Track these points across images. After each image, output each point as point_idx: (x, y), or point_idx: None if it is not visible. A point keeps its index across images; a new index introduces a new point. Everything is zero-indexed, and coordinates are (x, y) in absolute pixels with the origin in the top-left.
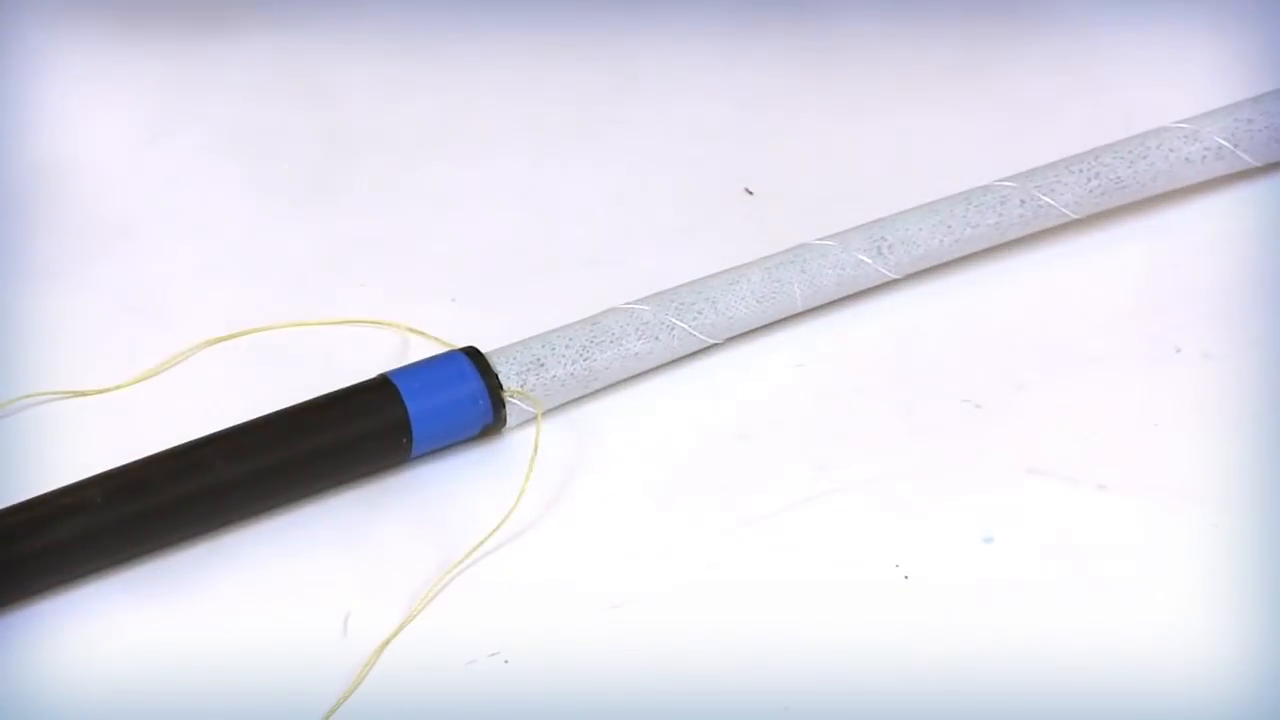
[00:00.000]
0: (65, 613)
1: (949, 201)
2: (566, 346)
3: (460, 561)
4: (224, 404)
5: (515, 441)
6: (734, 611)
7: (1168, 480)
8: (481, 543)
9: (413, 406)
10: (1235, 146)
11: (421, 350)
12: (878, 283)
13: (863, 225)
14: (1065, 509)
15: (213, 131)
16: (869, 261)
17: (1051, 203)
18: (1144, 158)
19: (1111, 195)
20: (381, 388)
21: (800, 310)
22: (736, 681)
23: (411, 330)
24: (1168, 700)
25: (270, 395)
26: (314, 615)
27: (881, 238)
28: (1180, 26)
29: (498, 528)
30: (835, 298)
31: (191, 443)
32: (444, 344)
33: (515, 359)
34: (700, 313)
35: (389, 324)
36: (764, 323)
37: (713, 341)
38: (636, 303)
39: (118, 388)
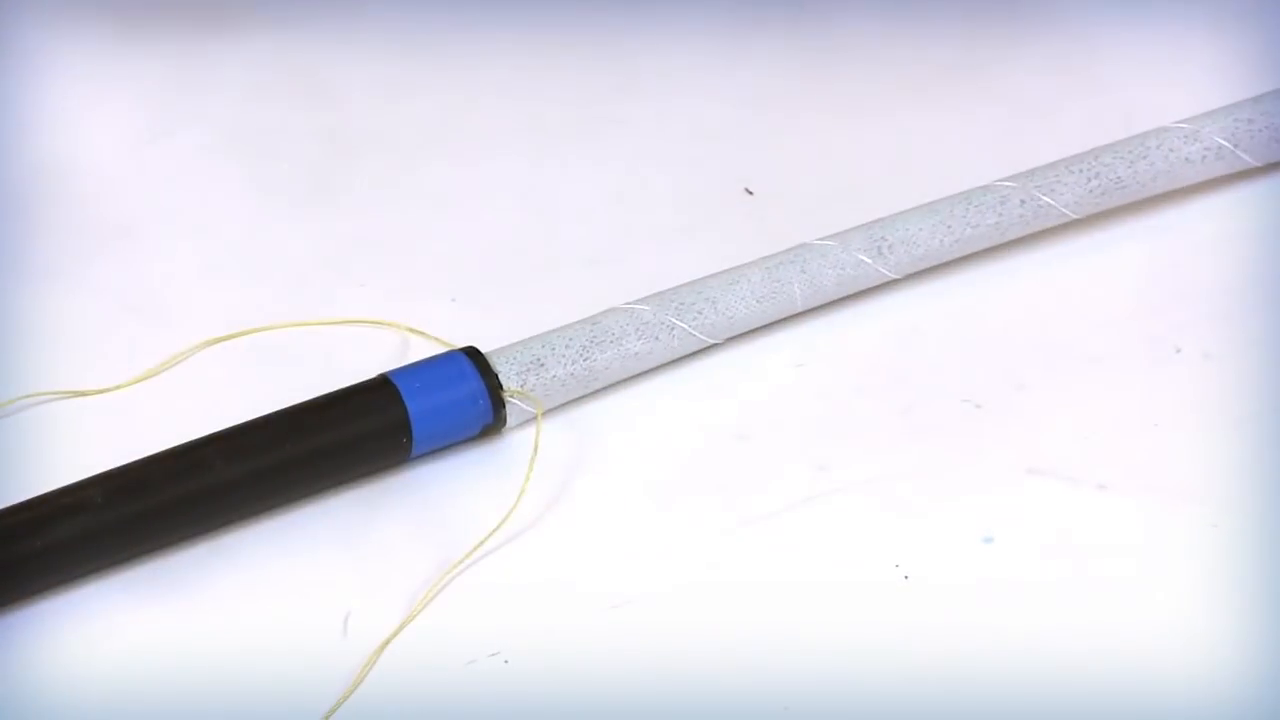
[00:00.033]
0: (65, 613)
1: (949, 201)
2: (566, 346)
3: (460, 561)
4: (224, 404)
5: (515, 441)
6: (734, 611)
7: (1168, 480)
8: (481, 543)
9: (413, 406)
10: (1235, 146)
11: (421, 350)
12: (878, 283)
13: (863, 225)
14: (1065, 509)
15: (213, 131)
16: (869, 261)
17: (1051, 203)
18: (1144, 158)
19: (1111, 195)
20: (381, 388)
21: (800, 310)
22: (736, 681)
23: (411, 330)
24: (1168, 700)
25: (270, 395)
26: (314, 615)
27: (881, 238)
28: (1180, 26)
29: (498, 528)
30: (835, 298)
31: (191, 443)
32: (444, 344)
33: (515, 359)
34: (700, 313)
35: (389, 324)
36: (764, 323)
37: (713, 341)
38: (636, 303)
39: (118, 388)
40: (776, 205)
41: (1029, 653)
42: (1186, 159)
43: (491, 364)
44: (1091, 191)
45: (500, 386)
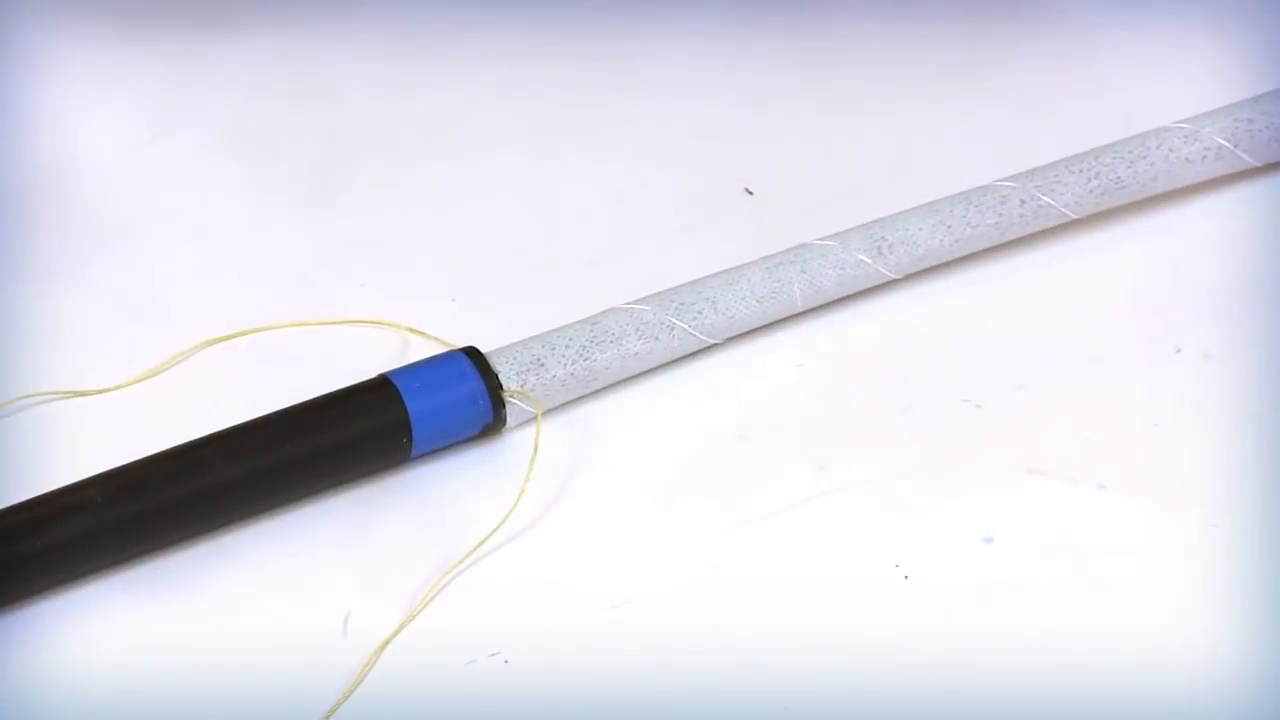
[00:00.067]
0: (65, 613)
1: (949, 201)
2: (566, 346)
3: (460, 561)
4: (224, 404)
5: (515, 441)
6: (734, 611)
7: (1168, 480)
8: (481, 543)
9: (413, 406)
10: (1235, 146)
11: (421, 350)
12: (878, 283)
13: (863, 225)
14: (1065, 509)
15: (213, 131)
16: (869, 261)
17: (1051, 203)
18: (1144, 158)
19: (1111, 195)
20: (381, 388)
21: (800, 310)
22: (736, 681)
23: (411, 330)
24: (1168, 700)
25: (270, 395)
26: (314, 615)
27: (881, 238)
28: (1180, 26)
29: (498, 528)
30: (835, 298)
31: (191, 443)
32: (444, 344)
33: (515, 359)
34: (700, 313)
35: (389, 324)
36: (764, 323)
37: (713, 341)
38: (636, 303)
39: (118, 388)
40: (776, 205)
41: (1029, 653)
42: (1186, 159)
43: (491, 364)
44: (1091, 191)
45: (500, 386)
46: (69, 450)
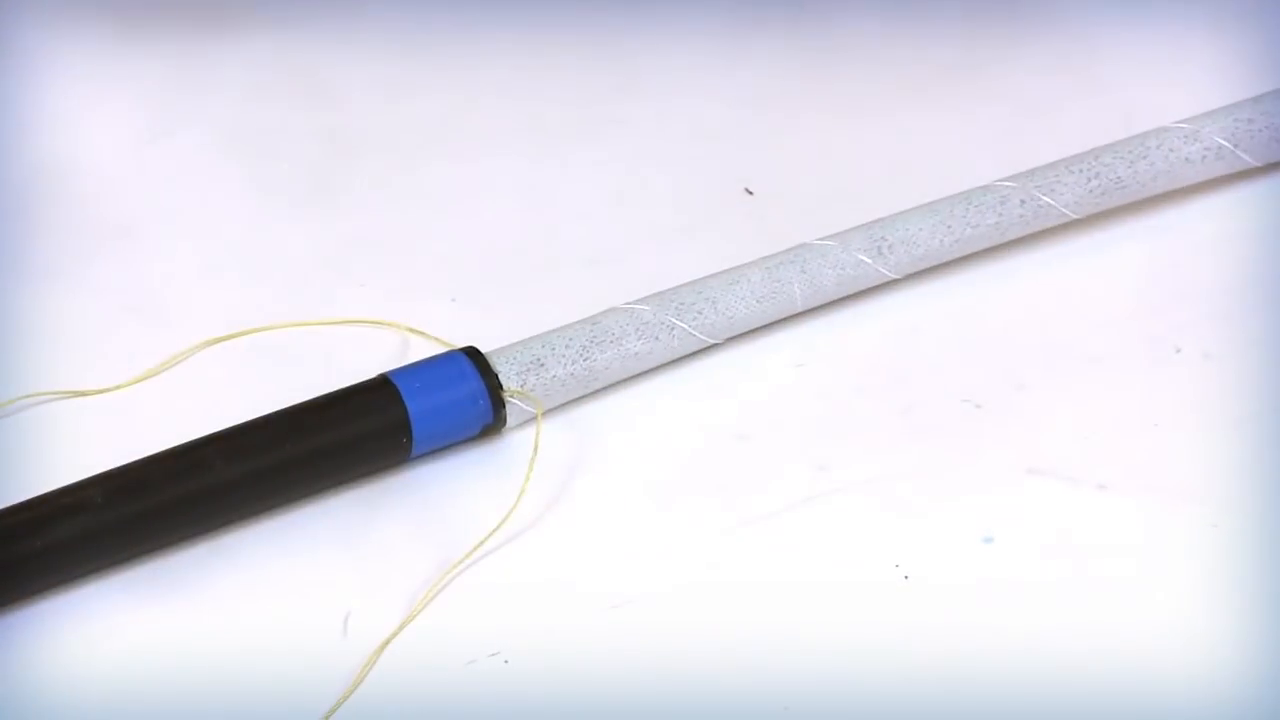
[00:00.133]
0: (65, 613)
1: (949, 201)
2: (566, 346)
3: (460, 561)
4: (224, 404)
5: (515, 441)
6: (734, 611)
7: (1168, 480)
8: (481, 543)
9: (413, 406)
10: (1235, 146)
11: (421, 350)
12: (878, 283)
13: (863, 225)
14: (1065, 509)
15: (213, 131)
16: (869, 261)
17: (1051, 203)
18: (1144, 158)
19: (1111, 195)
20: (381, 388)
21: (800, 310)
22: (736, 681)
23: (411, 330)
24: (1168, 700)
25: (270, 395)
26: (314, 615)
27: (881, 238)
28: (1180, 26)
29: (498, 528)
30: (835, 298)
31: (191, 443)
32: (444, 344)
33: (515, 359)
34: (700, 313)
35: (389, 324)
36: (764, 323)
37: (713, 341)
38: (636, 303)
39: (118, 388)
40: (776, 205)
41: (1029, 653)
42: (1186, 159)
43: (491, 364)
44: (1091, 191)
45: (500, 386)
46: (69, 450)
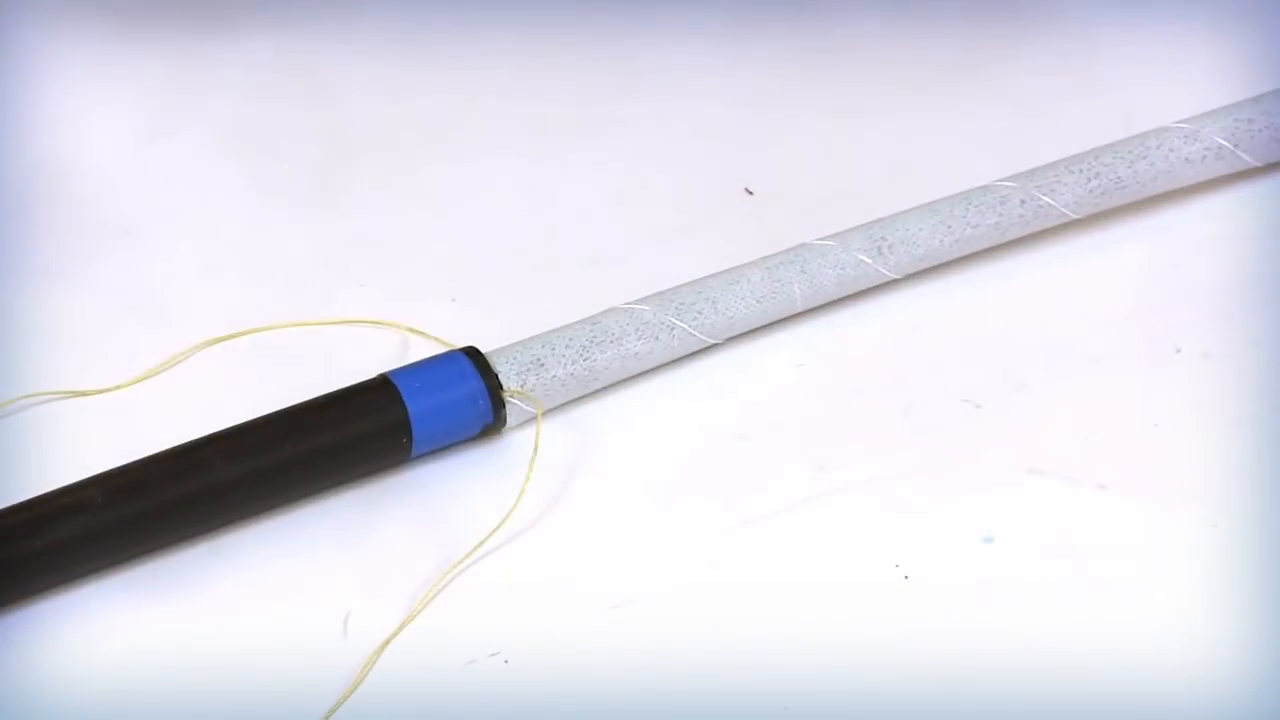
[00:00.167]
0: (65, 613)
1: (949, 201)
2: (566, 346)
3: (460, 561)
4: (224, 404)
5: (515, 441)
6: (734, 611)
7: (1168, 480)
8: (481, 543)
9: (413, 406)
10: (1235, 146)
11: (421, 350)
12: (878, 283)
13: (863, 225)
14: (1065, 509)
15: (213, 131)
16: (869, 261)
17: (1051, 203)
18: (1144, 158)
19: (1111, 195)
20: (381, 388)
21: (800, 310)
22: (736, 681)
23: (411, 330)
24: (1168, 700)
25: (270, 395)
26: (314, 615)
27: (881, 238)
28: (1180, 26)
29: (498, 528)
30: (835, 298)
31: (191, 443)
32: (444, 344)
33: (515, 359)
34: (700, 313)
35: (389, 324)
36: (764, 323)
37: (713, 341)
38: (636, 303)
39: (118, 388)
40: (776, 205)
41: (1029, 653)
42: (1186, 159)
43: (491, 364)
44: (1091, 191)
45: (500, 386)
46: (69, 450)
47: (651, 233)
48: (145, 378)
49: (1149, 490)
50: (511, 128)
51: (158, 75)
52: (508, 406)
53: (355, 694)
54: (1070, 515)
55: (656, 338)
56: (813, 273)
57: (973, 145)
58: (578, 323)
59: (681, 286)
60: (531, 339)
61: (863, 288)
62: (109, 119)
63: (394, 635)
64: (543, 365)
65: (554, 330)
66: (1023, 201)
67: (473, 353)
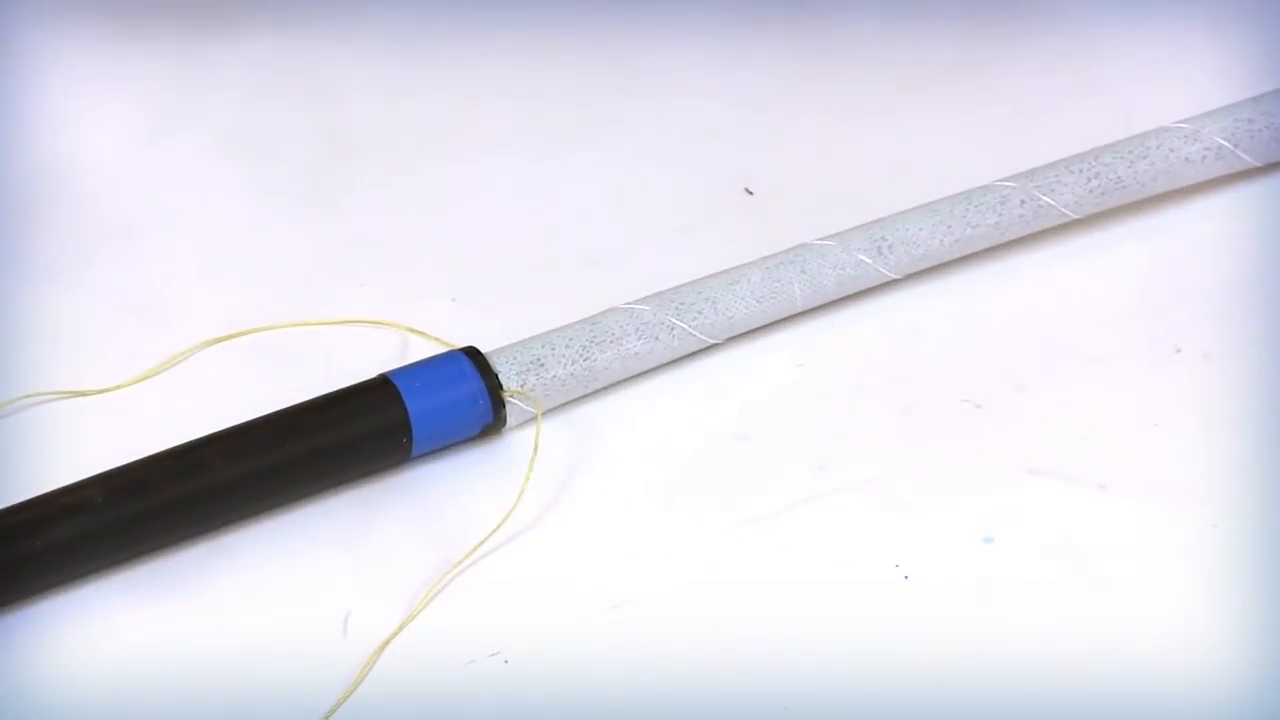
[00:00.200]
0: (65, 613)
1: (949, 201)
2: (566, 346)
3: (460, 561)
4: (224, 404)
5: (515, 441)
6: (734, 611)
7: (1168, 480)
8: (481, 543)
9: (413, 406)
10: (1235, 146)
11: (421, 350)
12: (878, 283)
13: (863, 225)
14: (1065, 509)
15: (213, 131)
16: (869, 261)
17: (1051, 203)
18: (1144, 158)
19: (1111, 195)
20: (381, 388)
21: (800, 310)
22: (736, 681)
23: (411, 330)
24: (1168, 700)
25: (270, 395)
26: (314, 615)
27: (881, 238)
28: (1180, 26)
29: (498, 528)
30: (835, 298)
31: (191, 443)
32: (444, 344)
33: (515, 359)
34: (700, 313)
35: (389, 324)
36: (764, 323)
37: (713, 341)
38: (636, 303)
39: (118, 388)
40: (776, 205)
41: (1029, 653)
42: (1186, 159)
43: (491, 364)
44: (1091, 191)
45: (500, 386)
46: (69, 450)
47: (651, 233)
48: (145, 378)
49: (1149, 490)
50: (511, 128)
51: (158, 75)
52: (508, 406)
53: (355, 694)
54: (1070, 515)
55: (656, 338)
56: (813, 273)
57: (973, 145)
58: (578, 323)
59: (681, 286)
60: (531, 339)
61: (863, 288)
62: (109, 119)
63: (394, 635)
64: (543, 365)
65: (554, 330)
66: (1023, 201)
67: (473, 353)
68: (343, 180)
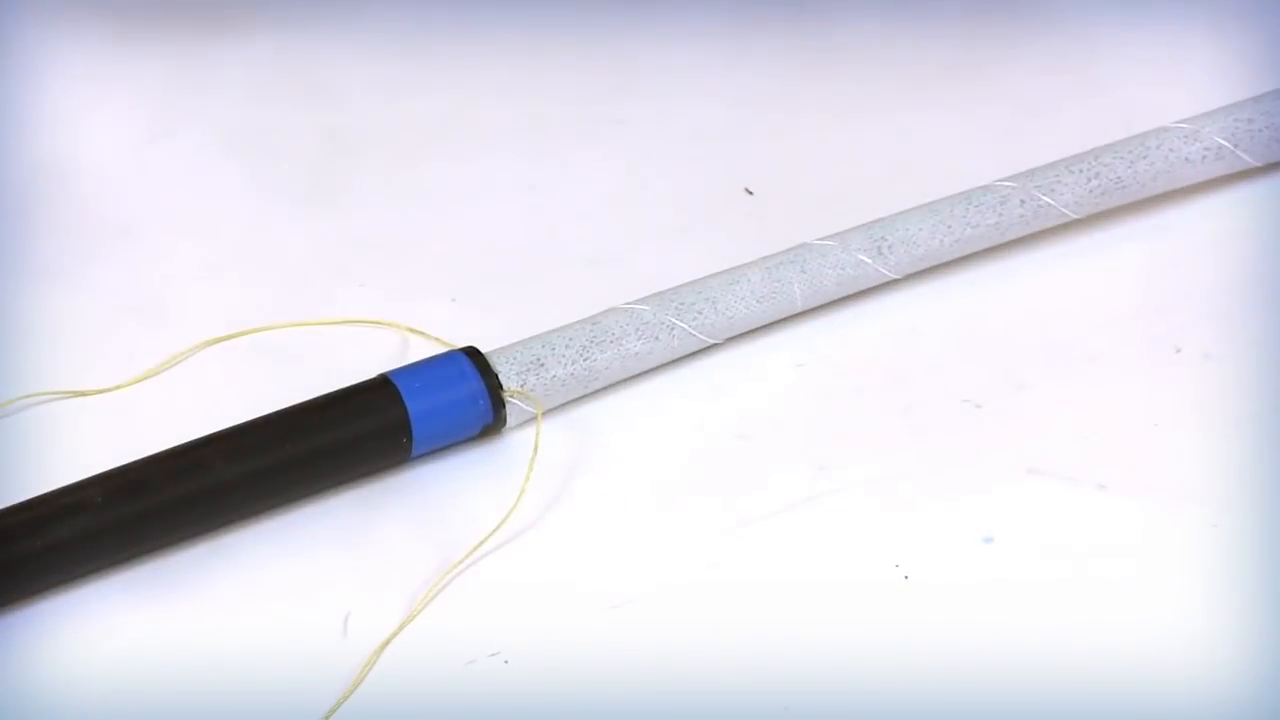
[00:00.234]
0: (65, 613)
1: (949, 201)
2: (566, 346)
3: (460, 561)
4: (224, 404)
5: (515, 441)
6: (734, 611)
7: (1168, 480)
8: (481, 543)
9: (413, 406)
10: (1235, 146)
11: (421, 350)
12: (878, 283)
13: (863, 225)
14: (1065, 509)
15: (213, 131)
16: (869, 261)
17: (1051, 203)
18: (1144, 158)
19: (1111, 195)
20: (381, 388)
21: (800, 310)
22: (736, 681)
23: (411, 330)
24: (1168, 700)
25: (270, 395)
26: (314, 615)
27: (881, 238)
28: (1180, 26)
29: (498, 528)
30: (835, 298)
31: (191, 443)
32: (444, 344)
33: (515, 359)
34: (700, 313)
35: (389, 324)
36: (764, 323)
37: (713, 341)
38: (636, 303)
39: (118, 388)
40: (776, 205)
41: (1029, 653)
42: (1186, 159)
43: (491, 364)
44: (1091, 191)
45: (500, 386)
46: (69, 450)
47: (651, 233)
48: (145, 378)
49: (1149, 490)
50: (511, 128)
51: (158, 75)
52: (508, 406)
53: (355, 694)
54: (1070, 515)
55: (656, 338)
56: (813, 273)
57: (973, 145)
58: (578, 323)
59: (681, 286)
60: (531, 339)
61: (863, 288)
62: (109, 119)
63: (394, 635)
64: (543, 365)
65: (554, 330)
66: (1023, 201)
67: (473, 353)
68: (343, 180)
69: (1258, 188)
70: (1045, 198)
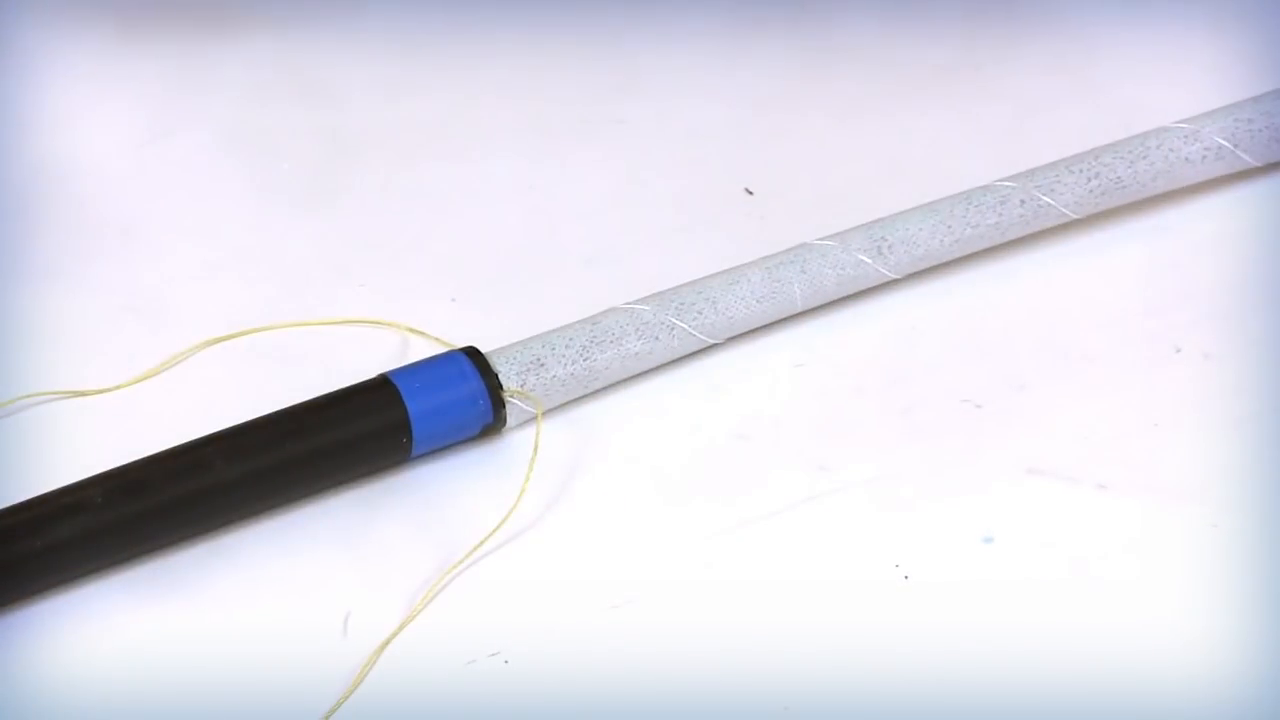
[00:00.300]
0: (65, 613)
1: (949, 201)
2: (566, 346)
3: (460, 561)
4: (224, 404)
5: (515, 441)
6: (734, 611)
7: (1168, 480)
8: (481, 543)
9: (413, 406)
10: (1235, 146)
11: (421, 350)
12: (878, 283)
13: (863, 225)
14: (1065, 509)
15: (213, 131)
16: (869, 261)
17: (1051, 203)
18: (1144, 158)
19: (1111, 195)
20: (381, 388)
21: (800, 310)
22: (736, 681)
23: (411, 330)
24: (1168, 700)
25: (270, 395)
26: (314, 615)
27: (881, 238)
28: (1180, 26)
29: (498, 528)
30: (835, 298)
31: (191, 443)
32: (444, 344)
33: (515, 359)
34: (700, 313)
35: (389, 324)
36: (764, 323)
37: (713, 341)
38: (636, 303)
39: (118, 388)
40: (776, 205)
41: (1029, 653)
42: (1186, 159)
43: (491, 364)
44: (1091, 191)
45: (500, 386)
46: (69, 450)
47: (651, 233)
48: (145, 378)
49: (1149, 490)
50: (511, 128)
51: (158, 75)
52: (508, 406)
53: (355, 694)
54: (1070, 515)
55: (656, 338)
56: (813, 273)
57: (973, 145)
58: (578, 323)
59: (681, 286)
60: (531, 339)
61: (863, 288)
62: (109, 119)
63: (394, 635)
64: (543, 365)
65: (554, 330)
66: (1023, 201)
67: (473, 353)
68: (343, 180)
69: (1258, 188)
70: (1045, 198)
